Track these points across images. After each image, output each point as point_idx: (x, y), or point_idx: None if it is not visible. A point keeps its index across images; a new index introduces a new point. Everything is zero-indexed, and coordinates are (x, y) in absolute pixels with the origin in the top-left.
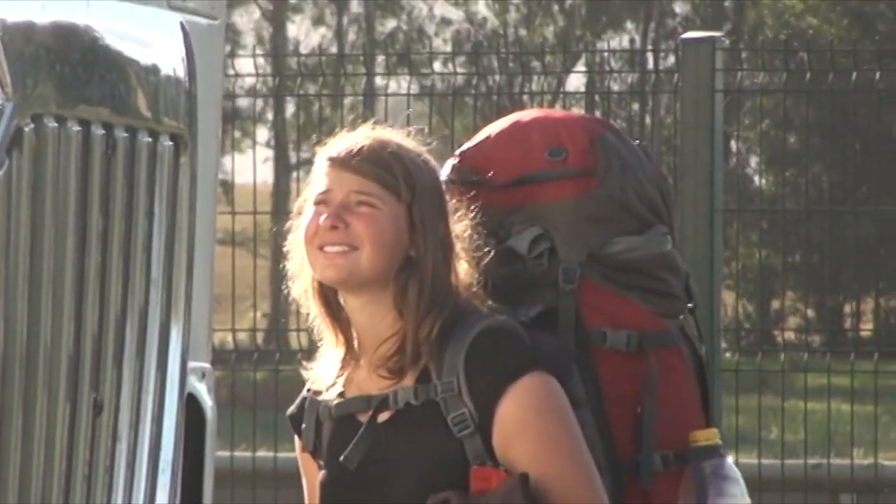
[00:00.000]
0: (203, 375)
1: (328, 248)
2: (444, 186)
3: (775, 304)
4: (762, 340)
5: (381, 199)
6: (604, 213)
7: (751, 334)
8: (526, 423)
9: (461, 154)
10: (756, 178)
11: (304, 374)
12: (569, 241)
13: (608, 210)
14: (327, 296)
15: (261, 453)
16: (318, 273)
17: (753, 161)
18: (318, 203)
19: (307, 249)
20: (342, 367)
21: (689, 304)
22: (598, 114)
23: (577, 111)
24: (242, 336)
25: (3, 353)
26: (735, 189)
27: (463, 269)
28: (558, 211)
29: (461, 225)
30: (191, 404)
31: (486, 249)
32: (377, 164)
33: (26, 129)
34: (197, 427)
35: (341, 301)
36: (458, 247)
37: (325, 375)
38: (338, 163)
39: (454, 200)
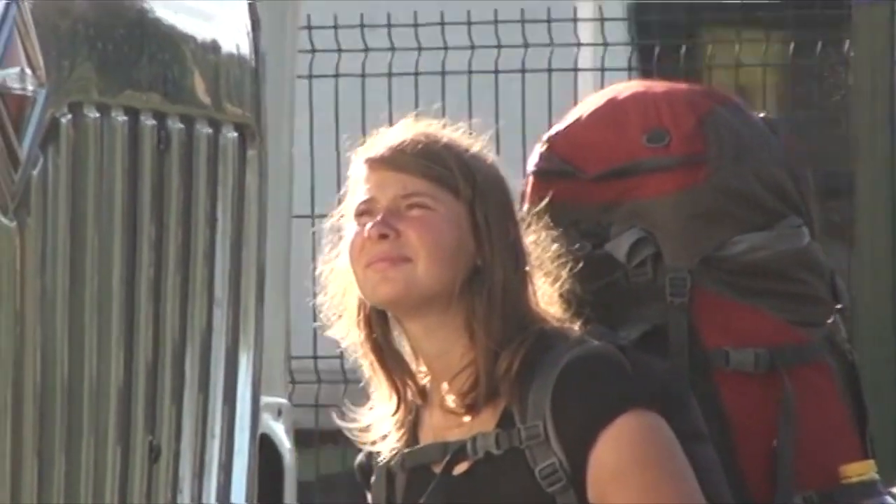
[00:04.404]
0: (279, 412)
1: (379, 264)
2: (510, 186)
3: None
4: None
5: (435, 199)
6: (717, 208)
7: None
8: (622, 473)
9: (549, 140)
10: None
11: (349, 424)
12: (676, 245)
13: (722, 204)
14: (378, 339)
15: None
16: (369, 295)
17: None
18: (359, 215)
19: (355, 271)
20: (405, 414)
21: (838, 307)
22: None
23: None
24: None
25: (41, 389)
26: None
27: (543, 284)
28: (661, 208)
29: (535, 236)
30: (265, 447)
31: (574, 259)
32: (426, 157)
33: (63, 120)
34: (274, 473)
35: (396, 339)
36: (534, 257)
37: (381, 424)
38: (379, 163)
39: (529, 204)
